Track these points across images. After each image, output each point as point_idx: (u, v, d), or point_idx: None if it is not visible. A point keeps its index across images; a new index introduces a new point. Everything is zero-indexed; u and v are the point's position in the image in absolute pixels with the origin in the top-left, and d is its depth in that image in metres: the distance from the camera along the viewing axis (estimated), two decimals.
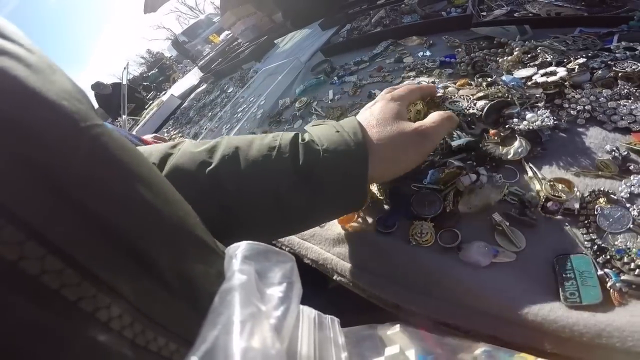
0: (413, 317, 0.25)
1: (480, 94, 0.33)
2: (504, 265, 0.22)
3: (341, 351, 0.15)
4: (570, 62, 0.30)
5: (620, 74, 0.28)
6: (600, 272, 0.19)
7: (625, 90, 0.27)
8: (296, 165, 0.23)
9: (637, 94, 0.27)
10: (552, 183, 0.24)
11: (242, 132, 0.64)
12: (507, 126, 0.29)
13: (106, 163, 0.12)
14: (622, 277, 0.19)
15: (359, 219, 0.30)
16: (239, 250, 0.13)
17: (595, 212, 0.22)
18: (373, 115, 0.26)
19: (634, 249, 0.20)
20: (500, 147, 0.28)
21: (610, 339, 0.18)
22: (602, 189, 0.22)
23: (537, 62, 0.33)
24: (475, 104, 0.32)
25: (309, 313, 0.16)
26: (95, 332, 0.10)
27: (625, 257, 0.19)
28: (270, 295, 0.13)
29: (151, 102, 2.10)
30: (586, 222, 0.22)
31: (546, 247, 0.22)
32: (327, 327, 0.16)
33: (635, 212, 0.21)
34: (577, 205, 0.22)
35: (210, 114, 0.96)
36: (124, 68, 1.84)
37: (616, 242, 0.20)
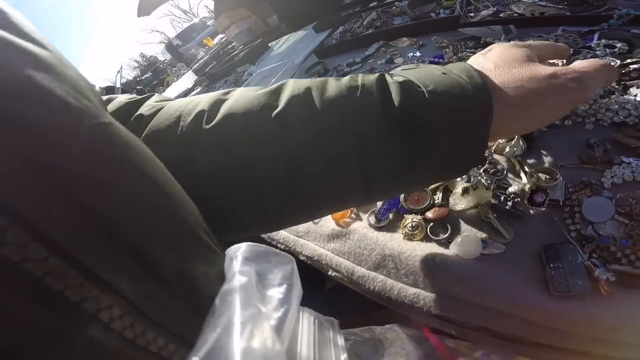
0: (407, 311, 0.26)
1: None
2: (494, 256, 0.23)
3: (341, 352, 0.15)
4: None
5: None
6: (587, 262, 0.20)
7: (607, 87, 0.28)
8: (391, 108, 0.18)
9: (619, 88, 0.28)
10: (534, 174, 0.24)
11: None
12: None
13: (110, 162, 0.12)
14: (609, 267, 0.19)
15: (353, 215, 0.30)
16: (239, 251, 0.13)
17: (580, 203, 0.22)
18: (490, 60, 0.21)
19: (619, 238, 0.20)
20: (496, 144, 0.28)
21: (600, 328, 0.18)
22: (585, 180, 0.23)
23: None
24: None
25: (308, 314, 0.16)
26: (97, 333, 0.10)
27: (611, 246, 0.20)
28: (271, 296, 0.13)
29: None
30: (571, 212, 0.22)
31: (534, 237, 0.22)
32: (327, 329, 0.16)
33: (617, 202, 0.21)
34: (561, 197, 0.23)
35: None
36: (118, 71, 1.83)
37: (601, 232, 0.21)
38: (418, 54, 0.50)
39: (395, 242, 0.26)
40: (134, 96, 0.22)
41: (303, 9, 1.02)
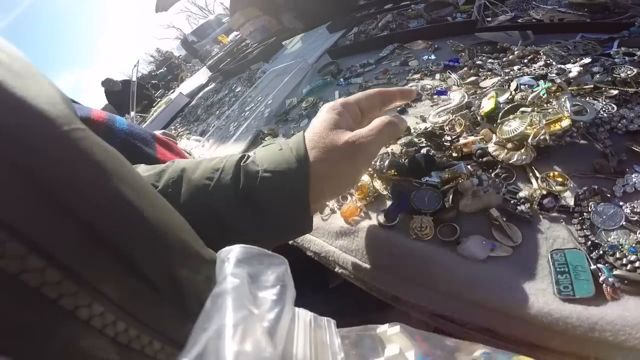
0: (411, 310, 0.26)
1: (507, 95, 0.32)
2: (501, 259, 0.23)
3: (337, 353, 0.15)
4: (576, 62, 0.31)
5: (617, 79, 0.29)
6: (593, 267, 0.20)
7: (624, 97, 0.28)
8: (236, 188, 0.22)
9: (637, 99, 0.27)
10: (545, 180, 0.24)
11: (250, 130, 0.66)
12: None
13: (89, 165, 0.12)
14: (615, 272, 0.19)
15: (362, 214, 0.31)
16: (231, 253, 0.13)
17: (590, 210, 0.22)
18: (313, 129, 0.24)
19: (626, 245, 0.20)
20: (505, 152, 0.28)
21: (603, 332, 0.18)
22: (596, 187, 0.23)
23: (536, 65, 0.33)
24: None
25: (304, 315, 0.16)
26: (76, 330, 0.10)
27: (617, 253, 0.20)
28: (263, 298, 0.13)
29: (159, 99, 2.14)
30: (580, 218, 0.22)
31: (541, 242, 0.23)
32: (323, 329, 0.16)
33: (627, 210, 0.21)
34: (572, 203, 0.23)
35: (218, 112, 0.98)
36: (134, 66, 1.88)
37: (609, 239, 0.21)
38: (433, 57, 0.50)
39: (403, 241, 0.27)
40: None
41: (318, 10, 1.03)
